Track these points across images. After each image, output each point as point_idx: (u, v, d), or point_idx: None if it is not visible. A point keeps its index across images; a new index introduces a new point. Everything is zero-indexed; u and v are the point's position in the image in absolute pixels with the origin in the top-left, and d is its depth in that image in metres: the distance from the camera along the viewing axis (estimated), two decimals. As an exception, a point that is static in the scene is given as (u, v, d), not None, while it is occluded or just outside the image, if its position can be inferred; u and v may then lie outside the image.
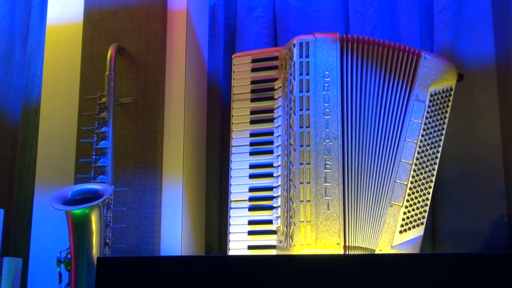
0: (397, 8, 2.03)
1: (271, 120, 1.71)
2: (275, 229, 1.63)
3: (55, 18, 2.02)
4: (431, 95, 1.65)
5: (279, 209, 1.62)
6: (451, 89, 1.68)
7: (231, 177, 1.70)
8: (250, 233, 1.64)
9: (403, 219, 1.57)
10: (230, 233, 1.65)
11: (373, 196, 1.58)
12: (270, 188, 1.66)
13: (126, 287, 1.33)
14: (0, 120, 2.35)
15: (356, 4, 2.06)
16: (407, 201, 1.58)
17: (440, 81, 1.67)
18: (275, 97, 1.72)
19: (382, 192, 1.58)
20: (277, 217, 1.63)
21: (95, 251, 1.52)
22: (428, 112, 1.64)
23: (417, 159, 1.61)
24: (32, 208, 1.90)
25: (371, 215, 1.56)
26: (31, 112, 2.29)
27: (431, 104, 1.65)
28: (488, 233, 1.84)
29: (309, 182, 1.55)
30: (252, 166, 1.69)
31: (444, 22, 1.96)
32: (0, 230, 1.84)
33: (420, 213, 1.59)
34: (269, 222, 1.64)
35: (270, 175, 1.67)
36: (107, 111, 1.73)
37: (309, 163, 1.57)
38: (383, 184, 1.58)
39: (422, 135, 1.62)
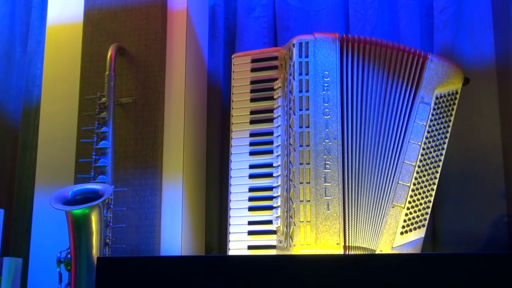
0: (397, 8, 2.03)
1: (270, 120, 1.71)
2: (275, 229, 1.63)
3: (55, 18, 2.02)
4: (437, 98, 1.65)
5: (279, 209, 1.62)
6: (456, 93, 1.68)
7: (231, 177, 1.70)
8: (250, 233, 1.64)
9: (405, 221, 1.57)
10: (230, 233, 1.65)
11: (374, 197, 1.57)
12: (270, 188, 1.66)
13: (126, 287, 1.33)
14: (0, 120, 2.35)
15: (356, 4, 2.06)
16: (409, 202, 1.58)
17: (446, 84, 1.67)
18: (274, 97, 1.72)
19: (384, 193, 1.58)
20: (277, 217, 1.63)
21: (95, 251, 1.52)
22: (433, 115, 1.64)
23: (421, 161, 1.61)
24: (32, 208, 1.90)
25: (372, 216, 1.56)
26: (31, 112, 2.29)
27: (436, 107, 1.65)
28: (488, 233, 1.84)
29: (309, 182, 1.55)
30: (252, 166, 1.69)
31: (444, 22, 1.96)
32: (0, 230, 1.85)
33: (422, 215, 1.59)
34: (269, 222, 1.64)
35: (270, 175, 1.67)
36: (107, 111, 1.73)
37: (309, 163, 1.57)
38: (385, 185, 1.58)
39: (426, 138, 1.62)
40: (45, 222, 1.85)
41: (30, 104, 2.30)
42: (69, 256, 1.53)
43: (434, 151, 1.63)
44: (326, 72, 1.63)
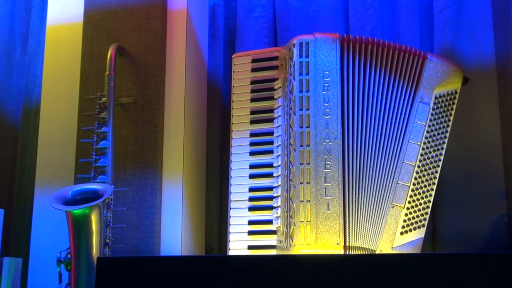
0: (397, 8, 2.03)
1: (271, 120, 1.71)
2: (275, 229, 1.63)
3: (55, 18, 2.02)
4: (436, 98, 1.65)
5: (279, 209, 1.62)
6: (456, 92, 1.68)
7: (231, 177, 1.70)
8: (250, 233, 1.64)
9: (405, 221, 1.57)
10: (230, 233, 1.65)
11: (374, 197, 1.57)
12: (270, 188, 1.66)
13: (126, 287, 1.33)
14: (0, 120, 2.35)
15: (356, 4, 2.06)
16: (409, 202, 1.58)
17: (445, 84, 1.67)
18: (275, 97, 1.72)
19: (383, 193, 1.58)
20: (277, 217, 1.63)
21: (95, 251, 1.52)
22: (432, 115, 1.64)
23: (420, 161, 1.61)
24: (32, 208, 1.90)
25: (372, 216, 1.56)
26: (31, 112, 2.29)
27: (435, 107, 1.65)
28: (488, 233, 1.84)
29: (309, 182, 1.55)
30: (252, 166, 1.69)
31: (444, 22, 1.96)
32: (0, 230, 1.85)
33: (422, 215, 1.59)
34: (269, 222, 1.64)
35: (270, 175, 1.67)
36: (107, 111, 1.73)
37: (309, 163, 1.57)
38: (385, 185, 1.58)
39: (426, 137, 1.62)
40: (45, 222, 1.85)
41: (30, 104, 2.30)
42: (69, 256, 1.53)
43: (434, 151, 1.63)
44: (327, 72, 1.63)
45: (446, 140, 1.64)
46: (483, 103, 1.91)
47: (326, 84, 1.62)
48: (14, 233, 2.21)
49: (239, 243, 1.64)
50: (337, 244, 1.52)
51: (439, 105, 1.65)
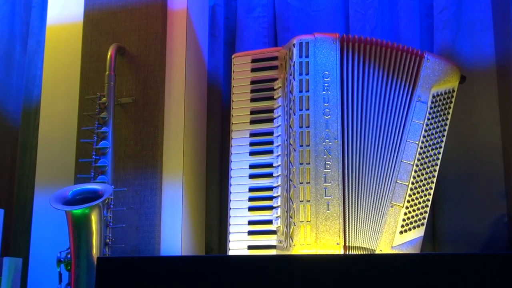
0: (397, 8, 2.03)
1: (271, 120, 1.71)
2: (275, 229, 1.63)
3: (55, 18, 2.02)
4: (433, 96, 1.65)
5: (279, 209, 1.62)
6: (453, 91, 1.68)
7: (231, 177, 1.70)
8: (250, 233, 1.64)
9: (404, 220, 1.57)
10: (230, 233, 1.65)
11: (373, 196, 1.57)
12: (270, 188, 1.66)
13: (126, 287, 1.33)
14: (0, 120, 2.35)
15: (356, 4, 2.06)
16: (408, 201, 1.58)
17: (443, 83, 1.67)
18: (274, 97, 1.72)
19: (382, 192, 1.58)
20: (277, 217, 1.63)
21: (95, 251, 1.52)
22: (430, 113, 1.64)
23: (419, 160, 1.61)
24: (32, 208, 1.90)
25: (372, 215, 1.56)
26: (31, 112, 2.29)
27: (433, 106, 1.65)
28: (488, 233, 1.84)
29: (309, 182, 1.55)
30: (252, 166, 1.69)
31: (444, 22, 1.96)
32: (0, 230, 1.85)
33: (421, 213, 1.59)
34: (269, 222, 1.64)
35: (270, 175, 1.67)
36: (107, 111, 1.73)
37: (309, 163, 1.57)
38: (384, 185, 1.58)
39: (424, 136, 1.62)
40: (45, 222, 1.85)
41: (30, 104, 2.30)
42: (69, 256, 1.53)
43: (432, 149, 1.63)
44: (326, 72, 1.63)
45: (444, 139, 1.64)
46: (483, 103, 1.91)
47: (326, 84, 1.62)
48: (14, 233, 2.21)
49: (239, 243, 1.64)
50: (337, 244, 1.52)
51: (436, 104, 1.65)
